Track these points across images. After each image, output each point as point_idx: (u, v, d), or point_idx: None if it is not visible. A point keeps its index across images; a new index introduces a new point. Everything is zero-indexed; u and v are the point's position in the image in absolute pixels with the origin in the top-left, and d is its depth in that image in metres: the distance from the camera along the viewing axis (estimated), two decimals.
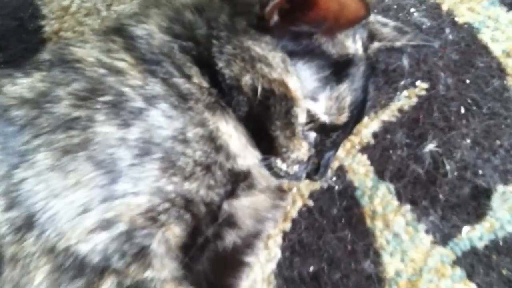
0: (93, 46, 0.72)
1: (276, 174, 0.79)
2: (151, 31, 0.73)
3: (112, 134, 0.64)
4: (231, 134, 0.72)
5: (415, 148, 0.94)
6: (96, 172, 0.62)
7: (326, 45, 0.74)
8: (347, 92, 0.76)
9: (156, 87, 0.68)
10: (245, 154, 0.74)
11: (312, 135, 0.79)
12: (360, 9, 0.67)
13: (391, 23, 0.88)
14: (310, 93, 0.74)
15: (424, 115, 0.96)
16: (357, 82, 0.78)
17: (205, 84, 0.72)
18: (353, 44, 0.77)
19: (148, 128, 0.66)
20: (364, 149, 0.95)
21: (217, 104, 0.72)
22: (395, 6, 1.04)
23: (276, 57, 0.71)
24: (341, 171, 0.94)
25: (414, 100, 0.98)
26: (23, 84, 0.67)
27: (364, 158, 0.95)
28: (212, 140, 0.70)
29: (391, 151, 0.94)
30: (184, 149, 0.67)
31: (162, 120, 0.67)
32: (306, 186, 0.93)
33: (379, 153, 0.94)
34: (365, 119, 0.95)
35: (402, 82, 1.00)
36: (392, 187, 0.92)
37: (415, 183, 0.92)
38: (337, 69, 0.75)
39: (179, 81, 0.70)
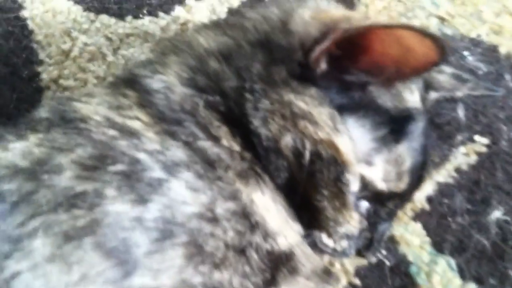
0: (100, 101, 0.64)
1: (320, 250, 0.70)
2: (170, 84, 0.65)
3: (126, 214, 0.54)
4: (269, 207, 0.63)
5: (478, 215, 0.85)
6: (106, 264, 0.52)
7: (382, 98, 0.65)
8: (406, 153, 0.67)
9: (177, 152, 0.60)
10: (286, 231, 0.65)
11: (365, 204, 0.69)
12: (431, 53, 0.57)
13: (447, 69, 0.80)
14: (365, 156, 0.65)
15: (486, 175, 0.88)
16: (416, 141, 0.69)
17: (236, 147, 0.64)
18: (410, 95, 0.69)
19: (169, 204, 0.56)
20: (418, 216, 0.86)
21: (251, 171, 0.64)
22: None
23: (323, 113, 0.62)
24: (392, 243, 0.84)
25: (474, 158, 0.90)
26: (16, 149, 0.58)
27: (418, 227, 0.85)
28: (246, 217, 0.61)
29: (450, 219, 0.85)
30: (213, 230, 0.58)
31: (186, 194, 0.58)
32: (351, 261, 0.83)
33: (436, 221, 0.86)
34: None
35: (459, 137, 0.92)
36: (453, 261, 0.82)
37: (480, 257, 0.83)
38: (395, 127, 0.67)
39: (205, 144, 0.62)
